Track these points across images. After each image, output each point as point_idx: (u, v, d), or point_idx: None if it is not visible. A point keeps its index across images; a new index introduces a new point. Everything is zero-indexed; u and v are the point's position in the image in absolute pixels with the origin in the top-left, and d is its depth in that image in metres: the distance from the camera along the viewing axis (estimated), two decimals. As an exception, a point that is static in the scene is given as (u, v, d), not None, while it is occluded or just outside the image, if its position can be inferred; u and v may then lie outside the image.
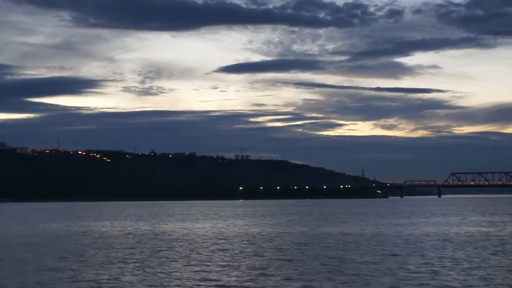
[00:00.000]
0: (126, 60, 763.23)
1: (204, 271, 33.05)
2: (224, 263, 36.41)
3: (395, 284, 28.29)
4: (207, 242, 51.47)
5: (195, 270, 33.75)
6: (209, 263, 36.50)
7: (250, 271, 32.97)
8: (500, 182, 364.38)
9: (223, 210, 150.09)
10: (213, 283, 29.26)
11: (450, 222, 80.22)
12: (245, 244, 49.64)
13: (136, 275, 32.09)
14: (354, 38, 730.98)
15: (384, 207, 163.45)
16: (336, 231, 64.83)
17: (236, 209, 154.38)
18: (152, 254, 42.03)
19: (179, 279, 30.52)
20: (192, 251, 43.84)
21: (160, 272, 32.89)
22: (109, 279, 30.80)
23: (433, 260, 36.82)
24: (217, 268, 34.25)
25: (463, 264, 34.70)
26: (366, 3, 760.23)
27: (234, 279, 30.50)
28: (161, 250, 45.29)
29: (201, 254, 42.07)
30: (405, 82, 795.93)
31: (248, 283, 29.18)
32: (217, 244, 49.31)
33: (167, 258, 39.71)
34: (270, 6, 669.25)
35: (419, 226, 71.82)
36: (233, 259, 38.78)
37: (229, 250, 44.64)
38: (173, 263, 37.00)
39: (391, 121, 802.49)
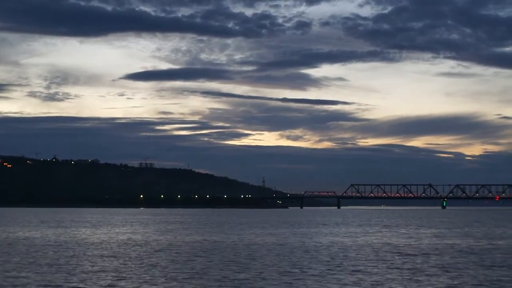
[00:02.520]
0: (32, 64, 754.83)
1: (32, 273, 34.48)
2: (57, 266, 37.87)
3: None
4: (69, 248, 52.71)
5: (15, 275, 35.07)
6: (40, 266, 37.92)
7: (82, 273, 34.58)
8: (398, 194, 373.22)
9: (115, 218, 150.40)
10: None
11: (313, 232, 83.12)
12: (99, 249, 51.14)
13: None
14: (262, 49, 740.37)
15: (274, 217, 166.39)
16: (200, 239, 66.75)
17: (127, 217, 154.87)
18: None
19: None
20: (44, 256, 45.06)
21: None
22: None
23: (260, 267, 39.02)
24: (41, 270, 35.78)
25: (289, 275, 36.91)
26: (274, 14, 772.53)
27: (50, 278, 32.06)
28: (12, 256, 46.36)
29: (45, 259, 43.34)
30: (312, 94, 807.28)
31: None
32: (71, 250, 50.61)
33: (13, 263, 40.89)
34: (179, 15, 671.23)
35: (284, 236, 74.32)
36: (69, 262, 40.37)
37: (75, 254, 46.13)
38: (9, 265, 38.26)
39: (297, 132, 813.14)
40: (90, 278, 33.15)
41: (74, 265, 38.88)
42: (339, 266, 38.65)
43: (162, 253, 48.38)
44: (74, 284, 30.86)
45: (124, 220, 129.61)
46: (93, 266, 38.67)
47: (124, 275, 34.31)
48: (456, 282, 31.92)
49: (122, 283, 31.27)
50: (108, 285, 30.68)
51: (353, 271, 36.35)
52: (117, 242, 60.96)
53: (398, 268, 37.92)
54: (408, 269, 37.42)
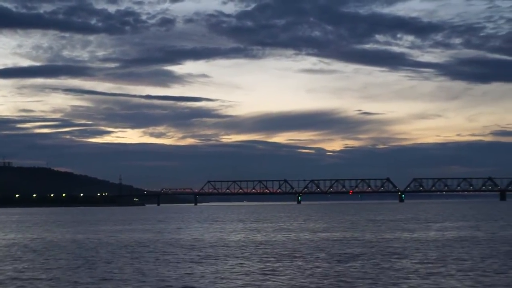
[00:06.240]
0: None
1: None
2: None
3: None
4: None
5: None
6: None
7: None
8: (254, 190, 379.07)
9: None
10: None
11: (128, 229, 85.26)
12: None
13: None
14: (125, 46, 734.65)
15: (117, 215, 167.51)
16: (18, 237, 68.10)
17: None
18: None
19: None
20: None
21: None
22: None
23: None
24: None
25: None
26: (138, 11, 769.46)
27: None
28: None
29: None
30: (175, 91, 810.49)
31: None
32: None
33: None
34: (41, 11, 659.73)
35: (93, 234, 76.14)
36: None
37: None
38: None
39: (160, 129, 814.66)
40: None
41: None
42: (95, 260, 40.82)
43: None
44: None
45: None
46: None
47: None
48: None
49: None
50: None
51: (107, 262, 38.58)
52: None
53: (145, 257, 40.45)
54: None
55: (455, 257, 39.59)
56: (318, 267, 35.39)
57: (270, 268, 34.99)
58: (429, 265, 35.62)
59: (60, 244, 56.46)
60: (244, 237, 62.64)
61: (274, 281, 30.22)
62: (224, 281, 30.53)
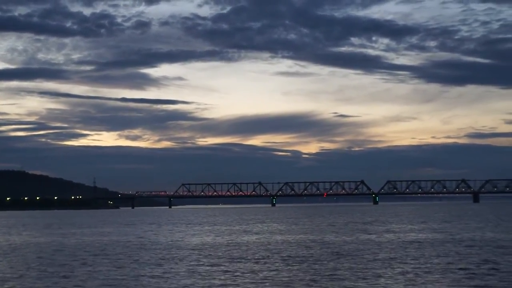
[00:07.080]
0: None
1: None
2: None
3: None
4: None
5: None
6: None
7: None
8: (228, 192, 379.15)
9: None
10: None
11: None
12: None
13: None
14: (100, 48, 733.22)
15: (88, 218, 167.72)
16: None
17: None
18: None
19: None
20: None
21: None
22: None
23: None
24: None
25: None
26: (113, 13, 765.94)
27: None
28: None
29: None
30: (151, 93, 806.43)
31: None
32: None
33: None
34: (16, 14, 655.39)
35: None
36: None
37: None
38: None
39: (136, 132, 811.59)
40: None
41: None
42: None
43: None
44: None
45: None
46: None
47: None
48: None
49: None
50: None
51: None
52: None
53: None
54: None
55: (401, 259, 40.55)
56: (265, 269, 36.19)
57: (219, 270, 35.83)
58: (373, 266, 36.61)
59: (20, 247, 56.99)
60: (205, 240, 63.44)
61: (219, 282, 31.05)
62: (169, 281, 31.38)
